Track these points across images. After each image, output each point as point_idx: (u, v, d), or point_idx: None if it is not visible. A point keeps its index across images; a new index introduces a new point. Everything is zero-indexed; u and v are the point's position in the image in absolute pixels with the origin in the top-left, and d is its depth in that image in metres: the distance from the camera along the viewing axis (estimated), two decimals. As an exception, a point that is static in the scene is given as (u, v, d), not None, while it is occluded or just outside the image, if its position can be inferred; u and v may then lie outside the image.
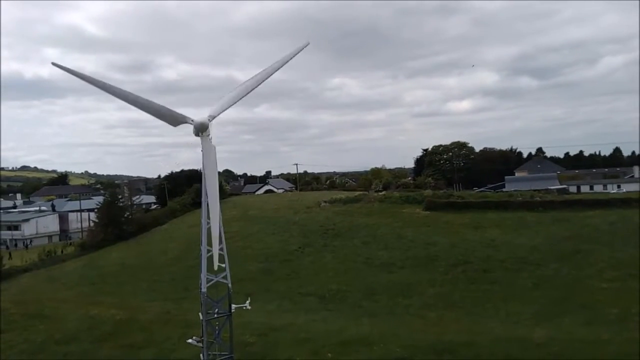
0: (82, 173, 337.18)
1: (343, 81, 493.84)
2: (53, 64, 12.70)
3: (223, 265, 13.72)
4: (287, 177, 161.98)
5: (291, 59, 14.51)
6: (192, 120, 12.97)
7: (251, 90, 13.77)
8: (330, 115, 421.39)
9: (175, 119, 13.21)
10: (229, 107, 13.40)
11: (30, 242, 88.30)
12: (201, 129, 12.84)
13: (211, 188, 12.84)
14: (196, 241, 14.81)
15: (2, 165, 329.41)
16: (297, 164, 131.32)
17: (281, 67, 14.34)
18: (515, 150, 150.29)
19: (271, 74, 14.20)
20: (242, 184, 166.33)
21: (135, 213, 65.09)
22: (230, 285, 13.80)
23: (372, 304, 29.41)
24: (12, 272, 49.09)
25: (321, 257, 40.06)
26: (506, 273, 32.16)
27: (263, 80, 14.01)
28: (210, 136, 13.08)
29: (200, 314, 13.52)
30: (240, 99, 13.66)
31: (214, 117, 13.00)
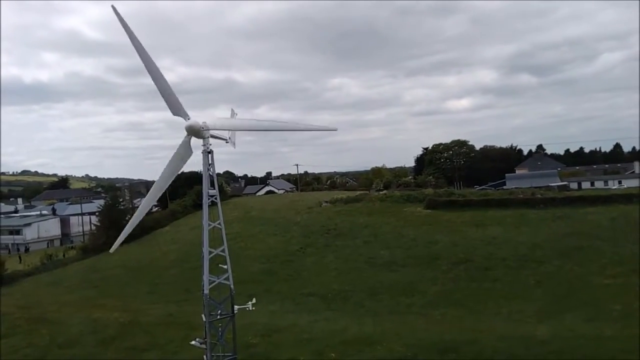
0: (82, 177, 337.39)
1: (342, 81, 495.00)
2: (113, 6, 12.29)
3: (225, 266, 13.75)
4: (288, 177, 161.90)
5: (310, 130, 15.32)
6: (188, 119, 12.99)
7: (255, 130, 13.98)
8: (330, 116, 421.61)
9: (177, 109, 13.23)
10: (227, 129, 13.50)
11: (27, 248, 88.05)
12: (190, 132, 12.87)
13: (156, 186, 13.21)
14: (197, 243, 14.82)
15: (3, 170, 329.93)
16: (297, 165, 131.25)
17: (296, 130, 15.05)
18: (516, 147, 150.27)
19: (283, 129, 14.72)
20: (242, 185, 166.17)
21: (137, 216, 65.03)
22: (232, 286, 13.81)
23: (375, 303, 29.41)
24: (14, 276, 49.09)
25: (323, 257, 40.06)
26: (508, 271, 32.15)
27: (273, 129, 14.37)
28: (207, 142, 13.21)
29: (203, 315, 13.53)
30: (242, 130, 13.82)
31: (208, 128, 13.03)
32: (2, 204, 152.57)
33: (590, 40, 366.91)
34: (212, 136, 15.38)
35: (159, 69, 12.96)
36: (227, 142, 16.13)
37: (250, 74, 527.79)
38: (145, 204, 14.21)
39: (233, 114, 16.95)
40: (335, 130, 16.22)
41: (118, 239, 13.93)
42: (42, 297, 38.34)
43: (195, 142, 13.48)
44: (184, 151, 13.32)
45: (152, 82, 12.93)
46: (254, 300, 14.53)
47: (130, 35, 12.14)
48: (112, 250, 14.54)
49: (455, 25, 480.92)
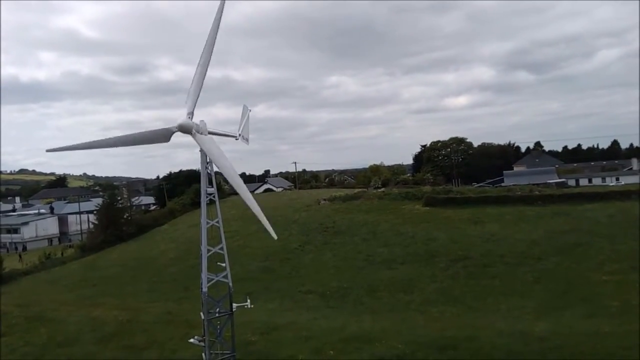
0: (80, 175, 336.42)
1: (340, 79, 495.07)
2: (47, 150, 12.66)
3: (223, 264, 13.74)
4: (286, 175, 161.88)
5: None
6: (176, 127, 12.91)
7: (205, 70, 13.67)
8: (328, 114, 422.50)
9: (164, 136, 13.18)
10: (197, 96, 13.33)
11: (24, 247, 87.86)
12: (186, 130, 12.81)
13: (231, 177, 12.93)
14: (196, 241, 14.83)
15: (1, 169, 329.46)
16: (295, 163, 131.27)
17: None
18: (514, 144, 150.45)
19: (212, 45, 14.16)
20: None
21: (135, 214, 65.07)
22: (231, 284, 13.81)
23: (374, 300, 29.43)
24: (12, 275, 48.99)
25: (321, 255, 40.07)
26: (506, 267, 32.20)
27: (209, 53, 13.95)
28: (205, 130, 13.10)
29: (201, 313, 13.53)
30: (201, 85, 13.58)
31: (192, 113, 12.97)
32: (1, 203, 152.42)
33: (587, 36, 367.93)
34: (220, 134, 15.37)
35: (118, 137, 13.19)
36: (236, 139, 15.91)
37: (248, 72, 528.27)
38: (250, 199, 13.51)
39: (246, 110, 16.69)
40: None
41: (269, 229, 13.22)
42: (40, 296, 38.27)
43: (191, 140, 13.41)
44: (206, 140, 13.24)
45: (129, 145, 13.15)
46: (248, 300, 14.52)
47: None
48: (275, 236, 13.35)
49: (452, 23, 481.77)
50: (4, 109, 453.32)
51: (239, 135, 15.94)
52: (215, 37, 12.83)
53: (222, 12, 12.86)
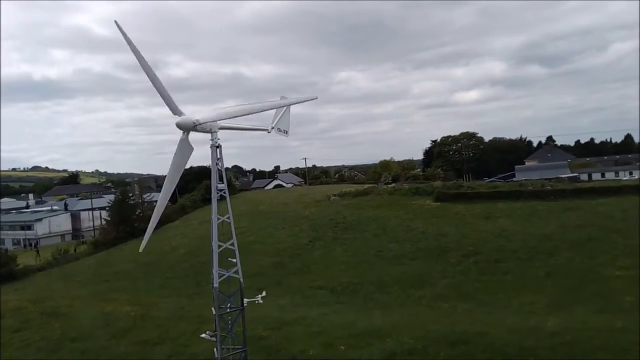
0: (92, 172, 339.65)
1: (350, 75, 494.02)
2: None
3: (234, 260, 13.79)
4: (296, 171, 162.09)
5: (297, 103, 15.12)
6: (181, 116, 12.88)
7: (244, 114, 13.75)
8: (339, 109, 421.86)
9: (187, 147, 13.23)
10: (217, 120, 13.30)
11: (36, 243, 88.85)
12: (181, 128, 12.81)
13: (167, 185, 13.21)
14: (207, 237, 14.89)
15: (14, 166, 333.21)
16: (305, 158, 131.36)
17: (281, 106, 15.20)
18: (525, 139, 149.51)
19: (270, 108, 14.65)
20: (251, 179, 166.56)
21: (146, 210, 65.43)
22: (242, 279, 13.86)
23: (384, 296, 29.43)
24: (26, 271, 49.68)
25: (332, 250, 40.11)
26: (518, 263, 32.01)
27: (263, 110, 14.21)
28: (216, 137, 13.14)
29: (213, 309, 13.60)
30: (231, 117, 13.58)
31: (200, 123, 12.90)
32: (15, 200, 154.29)
33: (600, 30, 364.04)
34: (247, 129, 15.38)
35: (154, 72, 13.01)
36: (269, 132, 15.59)
37: (258, 69, 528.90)
38: (160, 205, 14.20)
39: (285, 101, 16.32)
40: (316, 98, 16.36)
41: (144, 239, 13.92)
42: (54, 292, 38.76)
43: (204, 136, 13.45)
44: (184, 149, 13.26)
45: (155, 87, 13.00)
46: (263, 294, 14.57)
47: (130, 44, 12.11)
48: (141, 249, 14.53)
49: (463, 17, 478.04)
50: (17, 106, 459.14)
51: (272, 127, 15.65)
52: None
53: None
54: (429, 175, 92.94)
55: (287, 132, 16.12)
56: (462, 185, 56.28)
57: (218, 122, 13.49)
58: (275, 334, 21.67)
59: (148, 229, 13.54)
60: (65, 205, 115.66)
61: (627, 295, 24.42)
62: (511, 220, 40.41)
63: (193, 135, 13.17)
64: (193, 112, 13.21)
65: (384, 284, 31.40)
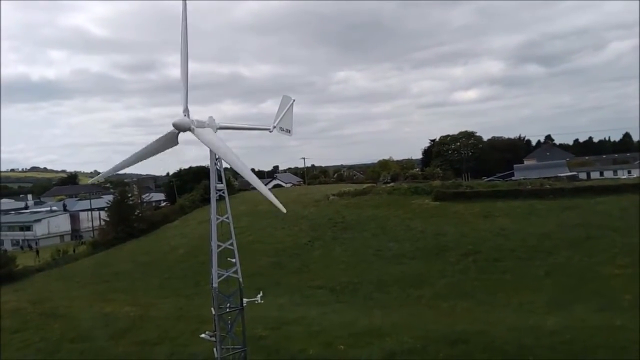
0: (91, 172, 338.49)
1: (349, 74, 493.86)
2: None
3: (234, 260, 13.79)
4: (295, 171, 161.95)
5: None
6: (173, 125, 12.85)
7: (186, 68, 13.73)
8: (337, 109, 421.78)
9: (171, 140, 13.23)
10: (187, 93, 13.28)
11: (36, 243, 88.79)
12: (183, 127, 12.79)
13: (235, 164, 12.75)
14: (206, 237, 14.88)
15: (13, 167, 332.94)
16: (304, 158, 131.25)
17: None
18: (524, 138, 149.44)
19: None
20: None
21: (145, 211, 65.48)
22: (241, 279, 13.86)
23: (384, 295, 29.44)
24: (26, 272, 49.61)
25: (331, 250, 40.11)
26: (517, 262, 32.03)
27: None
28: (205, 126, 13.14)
29: (212, 309, 13.59)
30: (187, 82, 13.54)
31: (187, 110, 12.94)
32: (14, 200, 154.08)
33: (598, 29, 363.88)
34: (248, 128, 15.37)
35: (130, 156, 13.36)
36: (270, 132, 15.48)
37: (256, 69, 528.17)
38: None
39: (287, 100, 16.09)
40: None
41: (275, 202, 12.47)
42: (53, 292, 38.74)
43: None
44: (168, 142, 13.35)
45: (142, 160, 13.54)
46: (262, 294, 14.57)
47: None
48: (284, 210, 12.66)
49: (461, 16, 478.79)
50: (15, 107, 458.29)
51: (274, 127, 15.55)
52: (187, 36, 12.74)
53: (186, 12, 12.73)
54: (427, 175, 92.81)
55: (290, 131, 15.99)
56: (461, 185, 56.31)
57: (217, 122, 13.50)
58: (275, 333, 21.69)
59: (271, 198, 12.42)
60: (64, 205, 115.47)
61: (626, 293, 24.45)
62: (510, 219, 40.43)
63: (191, 136, 13.14)
64: (191, 112, 13.20)
65: (383, 283, 31.41)
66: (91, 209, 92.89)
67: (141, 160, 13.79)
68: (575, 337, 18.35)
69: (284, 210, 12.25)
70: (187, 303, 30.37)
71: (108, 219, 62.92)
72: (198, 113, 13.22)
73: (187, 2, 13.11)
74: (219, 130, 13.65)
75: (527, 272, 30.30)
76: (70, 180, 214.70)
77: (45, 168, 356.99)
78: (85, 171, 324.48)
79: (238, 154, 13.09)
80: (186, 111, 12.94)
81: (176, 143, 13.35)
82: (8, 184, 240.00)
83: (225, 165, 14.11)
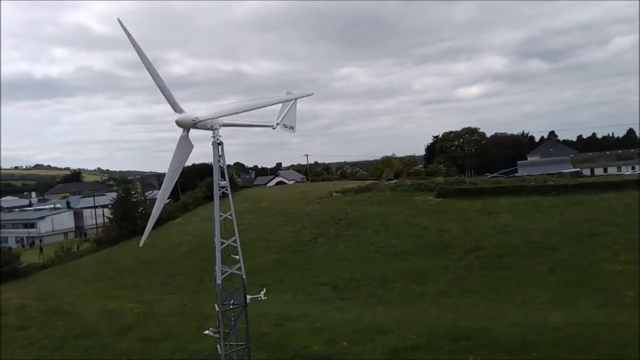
0: (94, 170, 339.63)
1: (351, 71, 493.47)
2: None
3: (237, 257, 13.81)
4: (298, 168, 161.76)
5: (298, 98, 15.40)
6: (181, 113, 12.77)
7: (245, 111, 13.61)
8: (340, 105, 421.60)
9: (187, 146, 13.19)
10: (217, 117, 13.20)
11: (40, 240, 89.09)
12: (181, 125, 12.77)
13: (166, 183, 13.16)
14: (209, 234, 14.93)
15: (17, 164, 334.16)
16: (307, 155, 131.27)
17: (278, 102, 14.97)
18: (527, 134, 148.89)
19: (271, 104, 14.39)
20: (253, 176, 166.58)
21: (149, 208, 65.46)
22: (244, 276, 13.88)
23: (387, 292, 29.46)
24: (30, 269, 49.80)
25: (334, 247, 40.15)
26: (521, 258, 32.02)
27: (262, 107, 13.99)
28: (217, 134, 13.10)
29: (216, 305, 13.63)
30: (232, 114, 13.46)
31: (199, 121, 12.84)
32: (17, 198, 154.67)
33: (601, 24, 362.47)
34: (252, 125, 15.33)
35: (155, 69, 12.96)
36: (274, 129, 15.52)
37: (259, 65, 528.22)
38: (159, 202, 14.12)
39: (290, 97, 15.91)
40: (312, 94, 16.52)
41: (144, 234, 14.00)
42: (57, 289, 38.89)
43: (206, 134, 13.43)
44: (184, 147, 13.23)
45: (157, 86, 12.98)
46: (265, 290, 14.59)
47: (132, 41, 12.08)
48: (141, 244, 14.58)
49: (463, 12, 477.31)
50: (18, 105, 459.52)
51: (277, 124, 15.53)
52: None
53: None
54: (431, 171, 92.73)
55: (293, 128, 16.01)
56: (464, 181, 56.23)
57: (220, 119, 13.48)
58: (279, 330, 21.73)
59: (148, 225, 13.51)
60: (68, 203, 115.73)
61: (629, 289, 24.43)
62: (513, 215, 40.39)
63: (194, 132, 13.14)
64: (194, 109, 13.16)
65: (386, 280, 31.43)
66: (95, 207, 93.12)
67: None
68: (579, 333, 18.34)
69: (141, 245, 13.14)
70: (190, 300, 30.45)
71: (112, 216, 63.14)
72: (200, 110, 13.20)
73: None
74: (221, 128, 13.64)
75: (530, 268, 30.29)
76: (73, 178, 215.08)
77: (48, 165, 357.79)
78: (89, 168, 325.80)
79: (239, 151, 13.06)
80: (180, 110, 12.86)
81: (192, 145, 13.23)
82: (12, 182, 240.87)
83: (228, 161, 14.12)
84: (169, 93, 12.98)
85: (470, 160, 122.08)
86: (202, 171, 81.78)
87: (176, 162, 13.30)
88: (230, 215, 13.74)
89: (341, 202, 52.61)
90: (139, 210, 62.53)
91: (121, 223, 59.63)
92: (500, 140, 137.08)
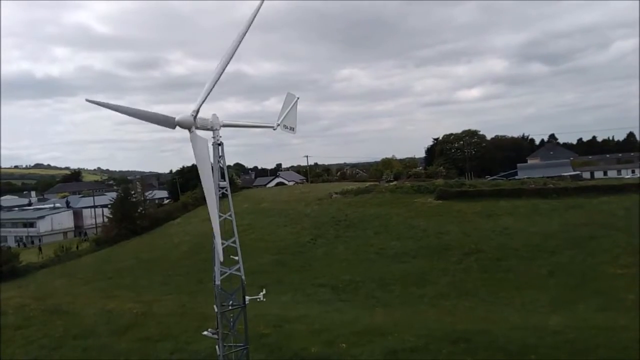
0: (94, 169, 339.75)
1: (352, 72, 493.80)
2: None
3: (236, 257, 13.80)
4: (298, 169, 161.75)
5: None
6: (176, 122, 12.73)
7: (221, 74, 13.45)
8: (340, 107, 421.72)
9: (168, 122, 13.09)
10: (206, 97, 13.14)
11: (40, 239, 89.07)
12: (182, 126, 12.75)
13: (206, 180, 12.71)
14: (209, 234, 14.91)
15: (16, 164, 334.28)
16: (307, 156, 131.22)
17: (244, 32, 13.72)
18: (527, 137, 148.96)
19: (234, 50, 13.83)
20: (253, 177, 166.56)
21: (148, 208, 65.62)
22: (243, 277, 13.87)
23: (386, 294, 29.44)
24: (29, 268, 49.77)
25: (333, 248, 40.12)
26: (520, 261, 31.99)
27: (228, 61, 13.66)
28: (216, 132, 13.06)
29: (215, 306, 13.62)
30: (213, 85, 13.36)
31: (197, 111, 12.84)
32: (17, 197, 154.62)
33: (602, 27, 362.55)
34: (252, 126, 15.31)
35: (130, 107, 13.15)
36: (274, 130, 15.41)
37: (260, 66, 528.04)
38: (213, 218, 13.22)
39: (291, 97, 15.96)
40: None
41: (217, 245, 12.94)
42: (56, 289, 38.85)
43: (206, 134, 13.40)
44: (199, 144, 13.13)
45: (139, 119, 13.16)
46: (264, 292, 14.57)
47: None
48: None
49: (464, 14, 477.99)
50: (18, 104, 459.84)
51: (278, 125, 15.45)
52: (242, 38, 12.59)
53: (258, 11, 12.57)
54: (431, 173, 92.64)
55: (294, 129, 15.98)
56: (464, 184, 56.23)
57: (221, 119, 13.50)
58: (277, 331, 21.71)
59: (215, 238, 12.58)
60: (68, 202, 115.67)
61: (629, 293, 24.42)
62: (513, 218, 40.37)
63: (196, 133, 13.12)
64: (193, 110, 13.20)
65: (385, 281, 31.40)
66: (94, 206, 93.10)
67: (134, 116, 13.46)
68: (578, 336, 18.32)
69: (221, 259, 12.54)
70: (189, 300, 30.42)
71: (111, 216, 63.10)
72: (201, 111, 13.20)
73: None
74: (222, 128, 13.64)
75: (530, 271, 30.26)
76: (73, 177, 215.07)
77: (48, 165, 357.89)
78: (89, 168, 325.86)
79: (239, 152, 13.02)
80: (196, 112, 12.87)
81: (173, 128, 13.15)
82: (12, 181, 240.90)
83: (228, 163, 14.11)
84: (160, 116, 13.17)
85: (470, 163, 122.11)
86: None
87: (200, 159, 12.98)
88: (230, 216, 13.73)
89: (341, 204, 52.59)
90: (139, 210, 62.52)
91: (121, 223, 59.60)
92: (501, 142, 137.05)
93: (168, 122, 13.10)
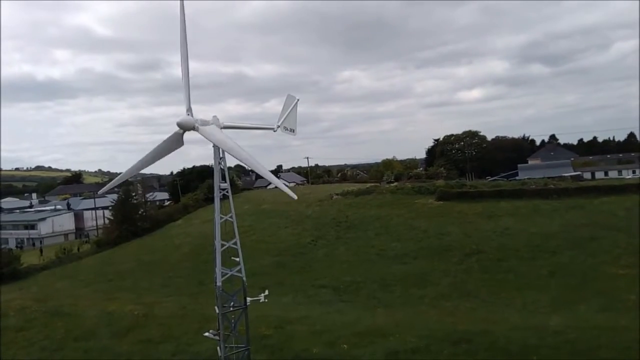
0: (95, 171, 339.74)
1: (353, 74, 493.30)
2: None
3: (237, 259, 13.83)
4: (299, 170, 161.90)
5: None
6: (177, 124, 12.93)
7: (187, 66, 13.66)
8: (341, 108, 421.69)
9: (176, 141, 13.29)
10: (189, 92, 13.30)
11: (41, 241, 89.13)
12: (186, 126, 12.82)
13: (249, 161, 12.83)
14: (210, 236, 14.94)
15: (18, 166, 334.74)
16: (308, 157, 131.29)
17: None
18: (528, 138, 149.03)
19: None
20: (253, 178, 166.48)
21: (149, 210, 65.61)
22: (244, 278, 13.89)
23: (387, 295, 29.44)
24: (30, 270, 49.80)
25: (334, 249, 40.13)
26: (521, 262, 31.98)
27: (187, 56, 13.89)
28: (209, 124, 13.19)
29: (216, 307, 13.64)
30: (189, 81, 13.57)
31: (190, 109, 13.06)
32: (18, 199, 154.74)
33: (603, 28, 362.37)
34: (252, 127, 15.39)
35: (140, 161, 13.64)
36: (274, 131, 15.49)
37: (260, 68, 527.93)
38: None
39: (291, 99, 16.09)
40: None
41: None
42: (57, 291, 38.89)
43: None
44: (174, 143, 13.38)
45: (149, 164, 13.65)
46: (266, 292, 14.60)
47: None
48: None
49: (465, 15, 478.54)
50: (19, 106, 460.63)
51: (278, 126, 15.50)
52: (186, 36, 12.86)
53: (184, 12, 12.88)
54: (431, 174, 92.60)
55: (294, 131, 16.02)
56: (465, 184, 56.25)
57: (221, 121, 13.54)
58: (278, 332, 21.71)
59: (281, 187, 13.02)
60: (68, 204, 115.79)
61: (630, 293, 24.40)
62: (514, 219, 40.35)
63: (194, 135, 13.18)
64: (195, 111, 13.25)
65: (386, 282, 31.40)
66: (95, 208, 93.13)
67: (148, 165, 13.79)
68: (579, 337, 18.31)
69: (295, 197, 12.49)
70: (190, 302, 30.43)
71: (112, 218, 63.11)
72: (202, 113, 13.26)
73: (184, 1, 13.16)
74: (223, 130, 13.68)
75: (530, 272, 30.25)
76: (74, 179, 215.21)
77: (49, 167, 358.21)
78: (90, 170, 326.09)
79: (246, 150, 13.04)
80: (189, 110, 12.98)
81: (182, 143, 13.37)
82: (13, 183, 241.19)
83: (229, 164, 14.15)
84: (163, 146, 13.43)
85: (470, 164, 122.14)
86: (203, 173, 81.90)
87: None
88: (231, 217, 13.76)
89: (341, 205, 52.60)
90: (140, 212, 62.55)
91: (121, 225, 59.62)
92: (501, 143, 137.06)
93: (177, 141, 13.27)
